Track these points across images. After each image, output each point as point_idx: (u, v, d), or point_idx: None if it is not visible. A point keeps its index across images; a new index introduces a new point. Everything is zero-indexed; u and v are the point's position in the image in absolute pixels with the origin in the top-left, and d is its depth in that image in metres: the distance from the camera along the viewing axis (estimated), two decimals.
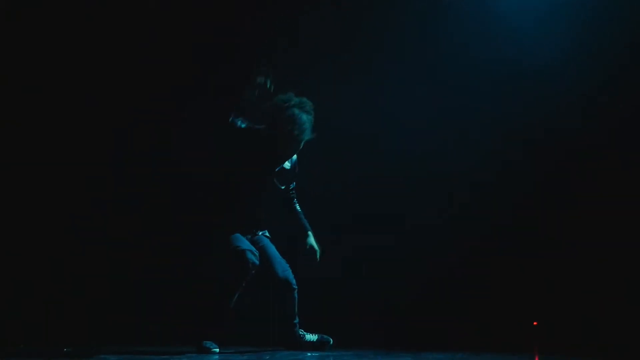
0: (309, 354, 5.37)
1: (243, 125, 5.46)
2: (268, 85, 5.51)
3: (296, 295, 5.64)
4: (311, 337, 5.69)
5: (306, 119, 5.43)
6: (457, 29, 7.11)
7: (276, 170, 5.58)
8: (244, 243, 5.49)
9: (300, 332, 5.68)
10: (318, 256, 5.76)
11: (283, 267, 5.64)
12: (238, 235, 5.50)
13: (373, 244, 6.93)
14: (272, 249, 5.70)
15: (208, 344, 5.38)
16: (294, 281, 5.65)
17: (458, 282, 6.88)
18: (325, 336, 5.69)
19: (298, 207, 5.86)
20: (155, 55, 7.02)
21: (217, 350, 5.34)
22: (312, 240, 5.77)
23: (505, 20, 7.04)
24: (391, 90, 7.11)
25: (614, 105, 6.82)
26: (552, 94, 6.92)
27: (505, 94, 6.98)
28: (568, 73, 6.88)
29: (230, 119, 5.46)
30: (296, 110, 5.41)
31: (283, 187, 5.70)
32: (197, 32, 7.07)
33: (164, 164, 6.93)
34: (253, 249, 5.49)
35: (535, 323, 6.72)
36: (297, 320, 5.68)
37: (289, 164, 5.65)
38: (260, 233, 5.72)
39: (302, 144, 5.51)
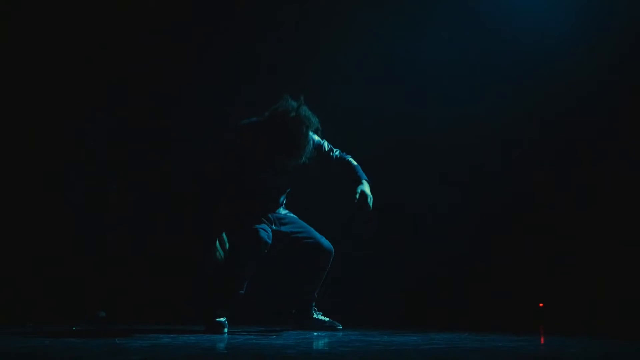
0: (316, 334, 5.41)
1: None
2: None
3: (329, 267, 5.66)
4: (323, 317, 5.72)
5: (310, 137, 5.26)
6: (455, 16, 7.15)
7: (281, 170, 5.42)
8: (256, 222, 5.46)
9: (314, 309, 5.72)
10: (370, 203, 5.46)
11: (320, 236, 5.63)
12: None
13: (380, 225, 6.97)
14: (303, 223, 5.68)
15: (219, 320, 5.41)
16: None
17: (464, 263, 6.93)
18: (335, 322, 5.72)
19: (346, 157, 5.62)
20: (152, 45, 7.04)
21: (226, 330, 5.37)
22: (365, 187, 5.46)
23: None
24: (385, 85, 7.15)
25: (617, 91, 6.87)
26: (554, 80, 6.96)
27: (506, 79, 7.02)
28: (570, 57, 6.92)
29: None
30: (303, 128, 5.17)
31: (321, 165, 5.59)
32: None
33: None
34: (266, 227, 5.46)
35: (540, 304, 6.75)
36: (317, 292, 5.71)
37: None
38: (283, 212, 5.69)
39: (303, 159, 5.29)
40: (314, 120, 5.23)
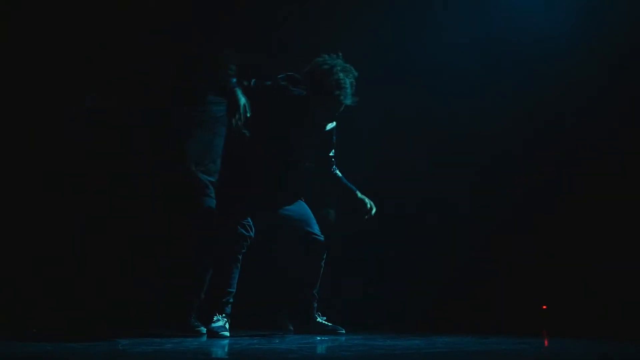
0: (319, 337, 5.41)
1: (268, 83, 5.53)
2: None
3: (324, 261, 5.69)
4: (325, 322, 5.72)
5: (349, 83, 5.42)
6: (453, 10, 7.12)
7: (310, 130, 5.57)
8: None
9: (318, 314, 5.73)
10: (374, 209, 5.70)
11: (317, 228, 5.68)
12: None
13: (382, 229, 6.95)
14: (307, 209, 5.74)
15: (216, 327, 5.40)
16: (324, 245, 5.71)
17: (466, 265, 6.92)
18: (338, 326, 5.71)
19: (339, 172, 5.79)
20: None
21: (228, 334, 5.36)
22: (362, 196, 5.70)
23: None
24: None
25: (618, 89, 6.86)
26: (554, 80, 6.94)
27: (505, 76, 7.01)
28: (571, 54, 6.90)
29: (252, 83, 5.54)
30: (341, 74, 5.39)
31: (321, 154, 5.71)
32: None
33: None
34: (248, 221, 5.49)
35: (544, 307, 6.75)
36: (316, 291, 5.71)
37: (330, 127, 5.64)
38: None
39: (342, 107, 5.49)
40: (354, 72, 5.48)
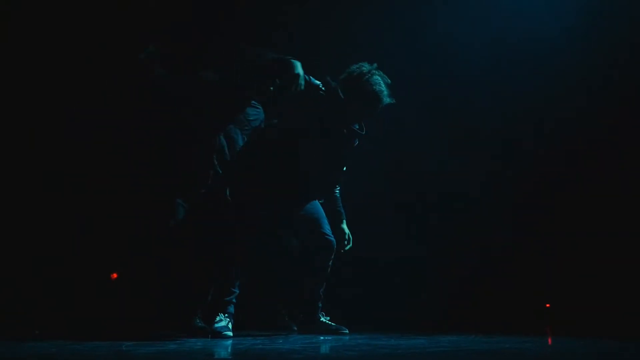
0: (322, 337, 5.41)
1: (315, 80, 5.57)
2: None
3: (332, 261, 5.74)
4: (329, 322, 5.73)
5: (385, 84, 5.57)
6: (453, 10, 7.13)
7: (339, 138, 5.64)
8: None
9: (322, 313, 5.75)
10: (350, 244, 5.90)
11: (328, 228, 5.75)
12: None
13: (384, 230, 6.96)
14: (320, 209, 5.80)
15: (219, 327, 5.40)
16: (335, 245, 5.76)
17: (470, 266, 6.92)
18: (342, 326, 5.73)
19: (338, 193, 5.94)
20: None
21: (231, 334, 5.36)
22: (345, 227, 5.88)
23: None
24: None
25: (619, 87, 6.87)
26: (557, 74, 6.95)
27: (507, 76, 7.01)
28: (573, 53, 6.91)
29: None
30: (377, 77, 5.57)
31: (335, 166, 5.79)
32: None
33: None
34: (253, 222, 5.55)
35: (547, 305, 6.77)
36: (322, 290, 5.76)
37: (357, 142, 5.75)
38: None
39: (379, 108, 5.60)
40: (387, 78, 5.64)
